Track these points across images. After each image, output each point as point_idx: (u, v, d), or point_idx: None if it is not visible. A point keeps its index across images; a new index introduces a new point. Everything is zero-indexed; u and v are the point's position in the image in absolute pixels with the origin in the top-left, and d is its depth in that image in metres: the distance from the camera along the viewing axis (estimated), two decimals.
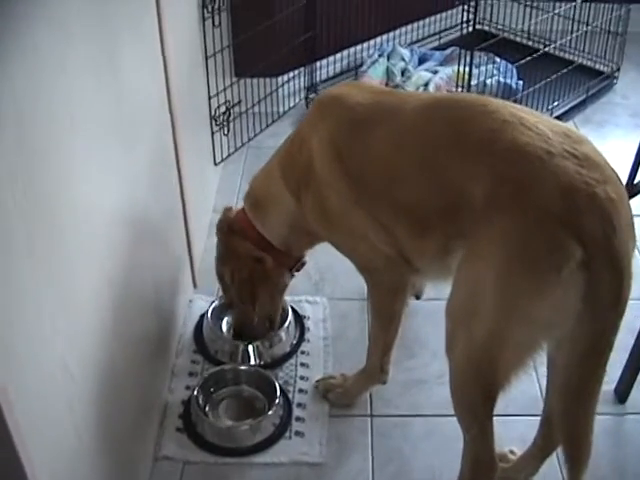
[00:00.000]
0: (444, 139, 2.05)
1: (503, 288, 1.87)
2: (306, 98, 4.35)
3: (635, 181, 3.38)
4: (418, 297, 3.04)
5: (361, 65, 4.51)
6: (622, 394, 2.69)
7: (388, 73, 4.38)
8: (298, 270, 2.72)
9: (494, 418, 2.09)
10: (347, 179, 2.22)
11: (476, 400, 2.06)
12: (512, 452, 2.48)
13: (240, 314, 2.76)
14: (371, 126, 2.19)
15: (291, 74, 4.28)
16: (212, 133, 3.65)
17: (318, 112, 2.35)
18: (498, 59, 4.39)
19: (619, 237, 1.80)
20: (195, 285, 3.18)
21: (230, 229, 2.61)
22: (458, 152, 2.00)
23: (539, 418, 2.36)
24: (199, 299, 3.11)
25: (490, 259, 1.88)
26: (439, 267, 2.19)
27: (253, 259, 2.58)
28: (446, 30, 4.98)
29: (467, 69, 3.84)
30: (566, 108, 4.33)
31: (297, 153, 2.37)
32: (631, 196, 3.19)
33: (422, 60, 4.61)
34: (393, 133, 2.14)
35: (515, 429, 2.55)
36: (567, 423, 2.04)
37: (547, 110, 4.15)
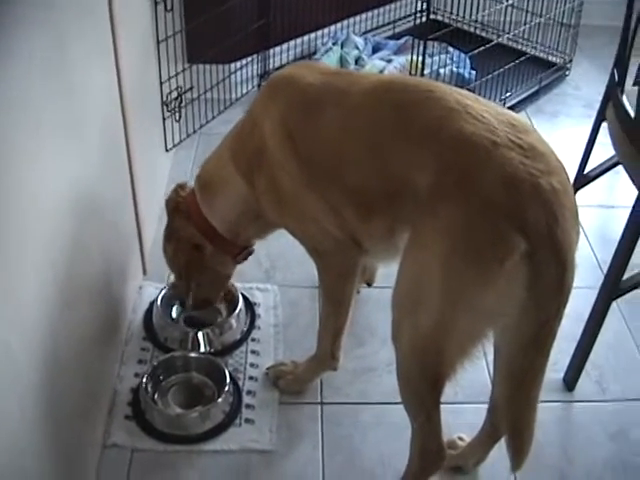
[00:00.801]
0: (390, 123, 2.04)
1: (447, 278, 1.87)
2: (259, 85, 4.33)
3: (585, 171, 3.41)
4: (369, 284, 3.04)
5: (315, 53, 4.50)
6: (570, 382, 2.72)
7: (342, 61, 4.37)
8: (245, 259, 2.69)
9: (443, 406, 2.11)
10: (298, 160, 2.21)
11: (422, 388, 2.07)
12: (461, 439, 2.49)
13: (177, 288, 2.77)
14: (321, 107, 2.17)
15: (244, 61, 4.25)
16: (163, 119, 3.61)
17: (269, 93, 2.33)
18: (451, 49, 4.41)
19: (562, 228, 1.81)
20: (145, 272, 3.15)
21: (176, 208, 2.59)
22: (403, 138, 2.00)
23: (487, 405, 2.37)
24: (149, 286, 3.08)
25: (434, 248, 1.88)
26: (387, 248, 2.20)
27: (192, 245, 2.56)
28: (400, 19, 4.99)
29: (420, 58, 3.84)
30: (519, 98, 4.36)
31: (248, 135, 2.35)
32: (581, 186, 3.21)
33: (376, 49, 4.61)
34: (341, 115, 2.13)
35: (464, 416, 2.57)
36: (510, 411, 2.06)
37: (500, 100, 4.17)
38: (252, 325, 2.93)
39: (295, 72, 2.31)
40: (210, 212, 2.53)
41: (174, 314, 2.94)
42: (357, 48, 4.50)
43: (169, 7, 3.42)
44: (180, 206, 2.57)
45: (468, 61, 4.33)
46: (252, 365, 2.77)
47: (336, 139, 2.14)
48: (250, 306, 3.00)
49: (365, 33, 4.78)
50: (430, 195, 1.90)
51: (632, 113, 2.59)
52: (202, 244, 2.55)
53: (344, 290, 2.46)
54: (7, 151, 1.67)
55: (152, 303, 2.94)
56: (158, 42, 3.39)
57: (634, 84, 2.95)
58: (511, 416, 2.06)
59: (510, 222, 1.79)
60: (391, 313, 2.06)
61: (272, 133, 2.24)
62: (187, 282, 2.66)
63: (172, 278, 2.85)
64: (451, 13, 4.59)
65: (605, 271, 2.63)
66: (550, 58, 4.71)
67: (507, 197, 1.80)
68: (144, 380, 2.59)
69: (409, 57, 4.07)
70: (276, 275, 3.18)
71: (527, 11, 4.45)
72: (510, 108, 4.09)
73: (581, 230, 1.95)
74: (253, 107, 2.40)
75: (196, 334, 2.80)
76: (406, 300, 2.00)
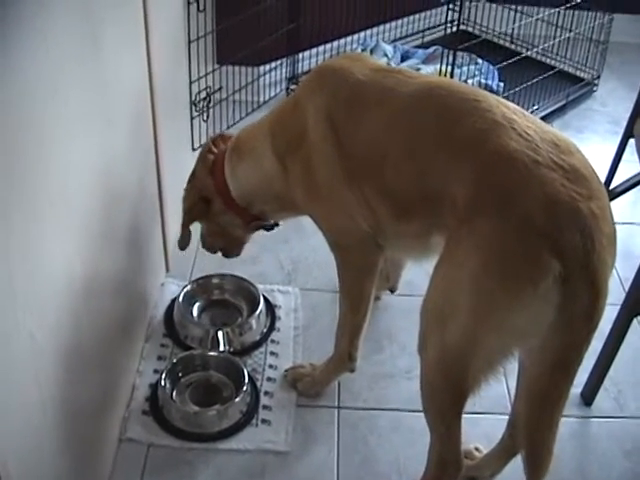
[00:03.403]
0: (433, 130, 2.04)
1: (478, 295, 1.86)
2: (287, 89, 4.34)
3: (611, 187, 3.41)
4: (392, 291, 3.04)
5: None
6: (588, 397, 2.71)
7: None
8: (258, 229, 2.73)
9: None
10: (338, 153, 2.22)
11: (445, 401, 2.06)
12: (477, 449, 2.49)
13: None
14: (366, 105, 2.18)
15: (273, 64, 4.27)
16: (191, 118, 3.63)
17: (317, 82, 2.33)
18: (480, 60, 4.40)
19: (599, 255, 1.79)
20: (168, 269, 3.17)
21: (204, 157, 2.64)
22: (445, 146, 2.00)
23: (505, 417, 2.38)
24: (171, 283, 3.10)
25: (467, 264, 1.88)
26: (420, 249, 2.21)
27: (201, 196, 2.62)
28: (430, 29, 4.98)
29: (449, 68, 3.84)
30: (545, 112, 4.34)
31: (290, 117, 2.36)
32: None
33: (405, 57, 4.61)
34: (385, 115, 2.14)
35: (481, 427, 2.57)
36: (529, 430, 2.04)
37: None
38: (272, 327, 2.94)
39: (345, 65, 2.30)
40: (230, 174, 2.56)
41: (195, 312, 2.95)
42: (386, 55, 4.50)
43: (201, 7, 3.44)
44: (207, 156, 2.62)
45: (496, 73, 4.31)
46: (271, 366, 2.78)
47: (378, 138, 2.15)
48: (271, 308, 3.00)
49: (394, 41, 4.78)
50: (467, 209, 1.89)
51: None
52: (212, 199, 2.60)
53: (362, 287, 2.46)
54: (37, 143, 1.69)
55: (174, 300, 2.96)
56: (189, 42, 3.41)
57: None
58: (530, 436, 2.04)
59: (546, 244, 1.77)
60: (419, 324, 2.05)
61: (315, 122, 2.25)
62: (184, 225, 2.70)
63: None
64: (481, 25, 4.60)
65: (627, 288, 2.63)
66: (578, 73, 4.69)
67: (545, 219, 1.79)
68: (163, 376, 2.60)
69: (437, 67, 4.07)
70: (297, 278, 3.19)
71: (556, 25, 4.45)
72: None
73: None
74: (299, 91, 2.41)
75: (216, 333, 2.80)
76: (435, 313, 1.99)
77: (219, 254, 2.87)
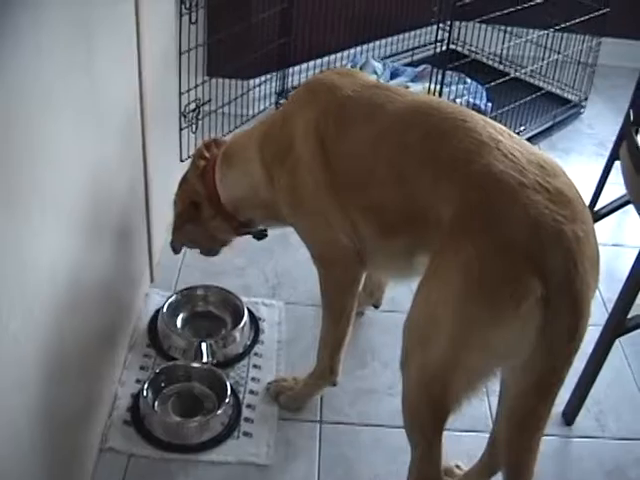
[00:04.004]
0: (419, 148, 2.05)
1: (460, 315, 1.87)
2: (276, 103, 4.36)
3: (596, 208, 3.44)
4: (376, 307, 3.04)
5: None
6: (569, 417, 2.72)
7: None
8: (245, 234, 2.75)
9: None
10: (325, 168, 2.23)
11: (426, 418, 2.06)
12: (458, 467, 2.49)
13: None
14: (355, 121, 2.19)
15: (263, 78, 4.28)
16: (180, 129, 3.63)
17: (307, 96, 2.35)
18: (469, 80, 4.42)
19: (582, 278, 1.80)
20: (152, 279, 3.16)
21: (195, 163, 2.65)
22: (431, 166, 2.01)
23: (487, 435, 2.38)
24: (155, 294, 3.09)
25: (450, 284, 1.88)
26: (402, 267, 2.23)
27: (191, 201, 2.64)
28: (420, 47, 5.00)
29: (438, 87, 3.86)
30: (533, 133, 4.36)
31: (279, 130, 2.37)
32: None
33: (394, 75, 4.63)
34: (374, 132, 2.15)
35: (462, 444, 2.57)
36: (510, 450, 2.04)
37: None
38: (256, 339, 2.94)
39: (335, 80, 2.32)
40: (220, 180, 2.58)
41: (179, 323, 2.94)
42: (375, 72, 4.52)
43: (194, 19, 3.44)
44: (200, 162, 2.63)
45: (485, 93, 4.34)
46: (253, 379, 2.78)
47: (366, 155, 2.16)
48: (255, 321, 3.00)
49: (384, 58, 4.80)
50: (452, 229, 1.90)
51: None
52: (202, 204, 2.62)
53: (344, 302, 2.47)
54: (29, 153, 1.70)
55: (158, 311, 2.95)
56: (180, 53, 3.41)
57: None
58: (510, 455, 2.04)
59: (529, 266, 1.78)
60: (402, 340, 2.05)
61: (304, 136, 2.26)
62: (175, 228, 2.72)
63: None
64: (470, 45, 4.62)
65: (610, 309, 2.64)
66: (566, 95, 4.72)
67: (528, 240, 1.80)
68: (145, 387, 2.59)
69: (426, 85, 4.09)
70: (282, 292, 3.19)
71: (545, 47, 4.47)
72: None
73: None
74: (289, 105, 2.44)
75: (199, 344, 2.80)
76: (417, 331, 2.00)
77: (207, 263, 2.88)
